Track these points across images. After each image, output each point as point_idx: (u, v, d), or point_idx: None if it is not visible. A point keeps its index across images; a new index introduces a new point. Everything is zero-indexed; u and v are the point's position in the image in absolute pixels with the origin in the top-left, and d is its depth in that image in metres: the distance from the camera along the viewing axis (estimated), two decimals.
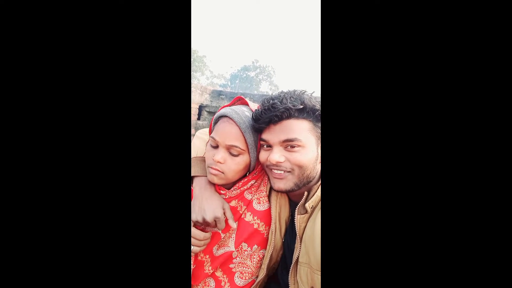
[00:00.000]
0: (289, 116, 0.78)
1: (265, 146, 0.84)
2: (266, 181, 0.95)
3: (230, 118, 0.85)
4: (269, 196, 0.95)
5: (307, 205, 0.79)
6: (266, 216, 0.92)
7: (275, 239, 0.88)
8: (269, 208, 0.93)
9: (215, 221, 0.83)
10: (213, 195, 0.88)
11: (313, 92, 0.85)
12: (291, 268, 0.83)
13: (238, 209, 0.91)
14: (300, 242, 0.81)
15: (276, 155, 0.78)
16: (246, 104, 0.96)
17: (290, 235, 0.89)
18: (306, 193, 0.82)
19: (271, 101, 0.80)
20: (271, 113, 0.77)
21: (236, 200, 0.92)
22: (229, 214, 0.85)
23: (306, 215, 0.81)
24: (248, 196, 0.93)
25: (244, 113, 0.88)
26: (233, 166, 0.84)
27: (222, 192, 0.90)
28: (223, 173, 0.84)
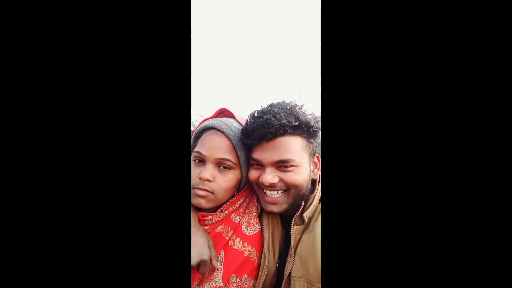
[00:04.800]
0: (284, 133, 0.71)
1: (255, 165, 0.76)
2: (255, 199, 0.85)
3: (218, 130, 0.75)
4: (259, 216, 0.83)
5: (304, 215, 0.75)
6: (257, 241, 0.80)
7: (269, 264, 0.79)
8: (260, 230, 0.81)
9: (198, 264, 0.70)
10: (197, 231, 0.74)
11: (303, 105, 0.79)
12: (282, 284, 0.76)
13: (224, 235, 0.78)
14: (294, 255, 0.74)
15: (269, 176, 0.72)
16: (232, 116, 0.85)
17: (285, 257, 0.79)
18: (303, 203, 0.77)
19: (264, 116, 0.72)
20: (264, 130, 0.70)
21: (222, 224, 0.79)
22: (213, 253, 0.73)
23: (302, 227, 0.76)
24: (235, 218, 0.81)
25: (233, 124, 0.79)
26: (224, 183, 0.74)
27: (207, 218, 0.76)
28: (212, 193, 0.72)
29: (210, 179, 0.71)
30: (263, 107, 0.77)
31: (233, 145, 0.74)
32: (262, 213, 0.84)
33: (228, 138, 0.74)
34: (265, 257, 0.79)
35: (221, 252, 0.76)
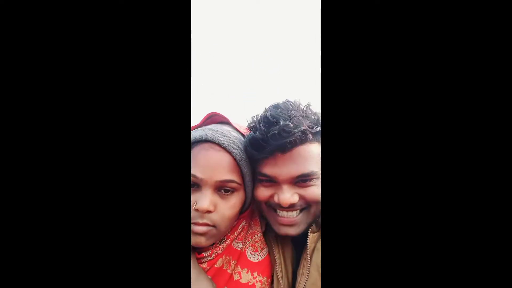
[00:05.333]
0: (304, 141, 0.57)
1: (264, 181, 0.61)
2: (256, 217, 0.70)
3: (215, 143, 0.58)
4: (264, 235, 0.69)
5: (320, 220, 0.62)
6: (267, 267, 0.65)
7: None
8: (268, 254, 0.66)
9: None
10: (199, 275, 0.57)
11: (309, 103, 0.65)
12: None
13: (225, 268, 0.62)
14: (309, 266, 0.61)
15: (288, 195, 0.57)
16: (227, 121, 0.67)
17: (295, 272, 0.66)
18: None
19: (280, 122, 0.55)
20: (282, 140, 0.55)
21: (224, 256, 0.63)
22: None
23: (318, 233, 0.63)
24: (237, 245, 0.65)
25: (232, 134, 0.62)
26: (228, 211, 0.57)
27: (205, 254, 0.60)
28: (214, 226, 0.56)
29: (210, 209, 0.55)
30: (269, 111, 0.61)
31: (236, 162, 0.58)
32: (266, 231, 0.70)
33: (229, 153, 0.58)
34: (279, 282, 0.64)
35: None
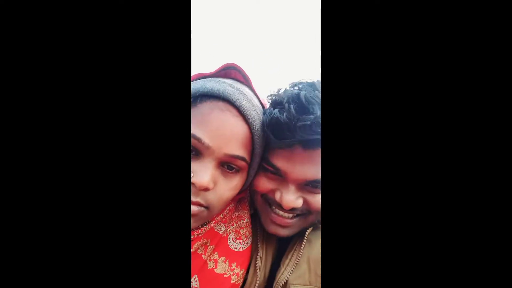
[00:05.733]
0: None
1: (270, 172, 0.52)
2: (245, 201, 0.61)
3: (234, 106, 0.46)
4: (251, 223, 0.60)
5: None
6: (246, 258, 0.56)
7: (259, 281, 0.55)
8: (251, 244, 0.57)
9: None
10: None
11: None
12: None
13: (199, 253, 0.52)
14: (300, 256, 0.56)
15: (292, 197, 0.50)
16: (247, 83, 0.53)
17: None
18: None
19: (318, 112, 0.44)
20: (313, 136, 0.44)
21: (202, 239, 0.52)
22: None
23: (318, 231, 0.58)
24: (220, 228, 0.55)
25: (254, 100, 0.50)
26: (227, 193, 0.48)
27: None
28: (207, 208, 0.46)
29: (210, 186, 0.44)
30: (304, 89, 0.48)
31: (252, 137, 0.47)
32: (253, 215, 0.62)
33: (248, 124, 0.46)
34: (255, 274, 0.56)
35: (195, 277, 0.49)
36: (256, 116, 0.48)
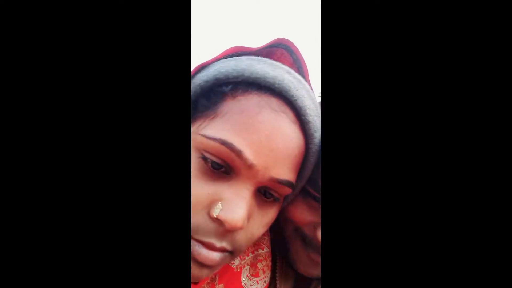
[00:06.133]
0: None
1: (312, 200, 0.41)
2: (267, 234, 0.48)
3: (293, 105, 0.32)
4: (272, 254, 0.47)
5: None
6: None
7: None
8: (268, 283, 0.45)
9: None
10: None
11: None
12: None
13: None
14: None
15: None
16: (303, 74, 0.39)
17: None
18: None
19: None
20: None
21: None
22: None
23: None
24: (233, 261, 0.43)
25: (317, 101, 0.37)
26: (260, 230, 0.35)
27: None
28: (231, 253, 0.33)
29: (244, 225, 0.31)
30: None
31: (306, 154, 0.35)
32: (273, 245, 0.50)
33: (306, 137, 0.33)
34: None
35: None
36: (319, 125, 0.34)
